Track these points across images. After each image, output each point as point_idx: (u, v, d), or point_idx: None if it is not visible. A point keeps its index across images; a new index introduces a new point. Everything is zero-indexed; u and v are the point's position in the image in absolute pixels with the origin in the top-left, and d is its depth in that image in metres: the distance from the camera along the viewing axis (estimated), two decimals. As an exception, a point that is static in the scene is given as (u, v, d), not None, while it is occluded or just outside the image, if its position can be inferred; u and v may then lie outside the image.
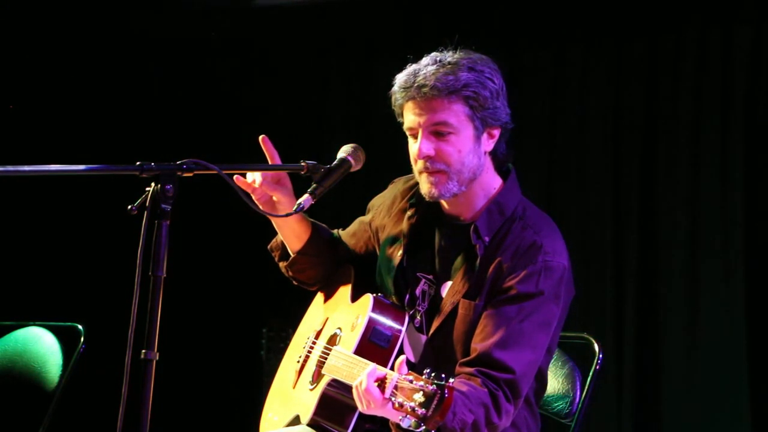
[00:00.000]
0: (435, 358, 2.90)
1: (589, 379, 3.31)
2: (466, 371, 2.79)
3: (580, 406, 3.29)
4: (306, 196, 2.79)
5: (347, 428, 2.87)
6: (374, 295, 2.98)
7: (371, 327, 2.89)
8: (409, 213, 3.03)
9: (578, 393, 3.32)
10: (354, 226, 3.25)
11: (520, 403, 2.81)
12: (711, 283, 4.96)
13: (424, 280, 2.98)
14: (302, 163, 2.83)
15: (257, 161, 2.96)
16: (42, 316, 4.24)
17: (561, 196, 5.26)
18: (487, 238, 2.88)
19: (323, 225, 3.22)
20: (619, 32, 5.22)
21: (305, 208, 2.79)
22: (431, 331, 2.91)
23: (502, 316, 2.79)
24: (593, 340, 3.38)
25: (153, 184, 2.45)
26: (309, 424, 2.96)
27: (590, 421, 3.45)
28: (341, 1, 5.63)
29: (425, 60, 2.87)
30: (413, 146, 2.88)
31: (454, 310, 2.88)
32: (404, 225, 3.03)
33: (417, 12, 5.56)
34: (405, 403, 2.46)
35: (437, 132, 2.83)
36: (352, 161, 2.92)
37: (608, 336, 5.03)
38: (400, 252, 3.02)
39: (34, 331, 4.08)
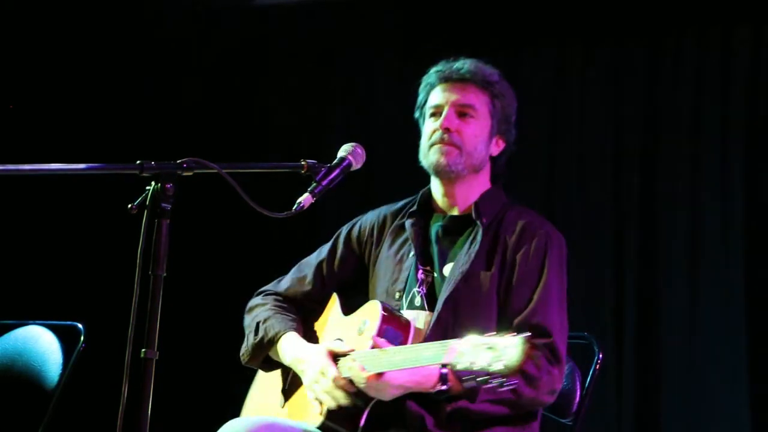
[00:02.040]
0: (444, 330, 2.96)
1: (589, 378, 3.32)
2: None
3: (580, 405, 3.30)
4: (306, 195, 2.79)
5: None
6: (379, 300, 3.05)
7: (385, 326, 2.94)
8: (411, 221, 3.15)
9: (578, 392, 3.33)
10: (326, 260, 3.28)
11: (564, 366, 2.95)
12: (712, 284, 4.96)
13: (421, 270, 3.08)
14: (302, 163, 2.83)
15: (258, 160, 2.98)
16: (42, 315, 4.23)
17: (561, 196, 5.26)
18: (485, 219, 3.05)
19: (296, 322, 3.22)
20: (619, 32, 5.22)
21: (305, 207, 2.79)
22: (440, 304, 2.98)
23: (524, 287, 2.97)
24: (593, 340, 3.39)
25: (153, 183, 2.45)
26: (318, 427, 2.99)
27: (591, 421, 3.45)
28: (344, 0, 5.63)
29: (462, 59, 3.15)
30: (433, 123, 3.08)
31: (462, 281, 2.98)
32: (409, 233, 3.14)
33: (419, 11, 5.55)
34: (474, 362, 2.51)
35: (462, 113, 3.08)
36: (352, 160, 2.93)
37: (608, 336, 5.03)
38: (412, 253, 3.11)
39: (34, 330, 4.07)
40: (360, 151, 2.97)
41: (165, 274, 2.42)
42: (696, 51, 5.06)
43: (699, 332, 4.95)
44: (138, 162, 2.46)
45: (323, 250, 3.31)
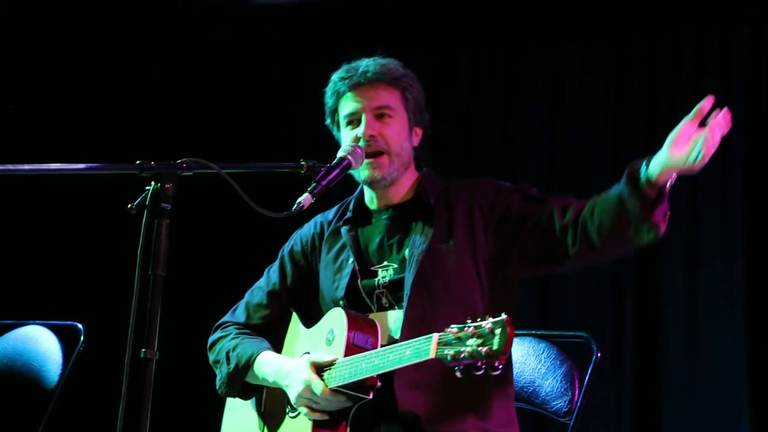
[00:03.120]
0: (422, 315, 2.97)
1: (587, 377, 3.32)
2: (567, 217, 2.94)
3: (578, 404, 3.30)
4: (306, 195, 2.80)
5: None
6: (342, 306, 3.04)
7: (353, 332, 2.95)
8: (346, 227, 3.16)
9: (577, 392, 3.33)
10: (278, 281, 3.27)
11: None
12: (710, 282, 4.96)
13: (379, 269, 3.07)
14: (302, 163, 2.84)
15: (257, 160, 2.98)
16: (42, 315, 4.24)
17: (560, 194, 5.26)
18: (432, 200, 3.07)
19: (265, 342, 3.21)
20: (619, 32, 5.23)
21: (305, 207, 2.80)
22: (408, 289, 2.98)
23: (527, 202, 3.02)
24: (591, 339, 3.40)
25: (153, 183, 2.46)
26: None
27: (590, 421, 3.45)
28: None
29: (362, 60, 3.12)
30: (352, 131, 3.07)
31: (425, 259, 2.98)
32: (346, 239, 3.14)
33: (414, 10, 5.54)
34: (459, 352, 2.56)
35: (379, 114, 3.06)
36: (351, 160, 2.95)
37: (607, 335, 5.03)
38: (351, 260, 3.10)
39: (34, 330, 4.08)
40: (359, 150, 2.99)
41: (165, 275, 2.42)
42: (696, 51, 5.06)
43: (698, 331, 4.95)
44: (138, 162, 2.47)
45: (272, 273, 3.28)
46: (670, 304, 5.02)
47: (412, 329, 2.91)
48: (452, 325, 2.63)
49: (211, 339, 3.28)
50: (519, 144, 5.38)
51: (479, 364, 2.55)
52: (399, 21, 5.56)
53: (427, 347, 2.67)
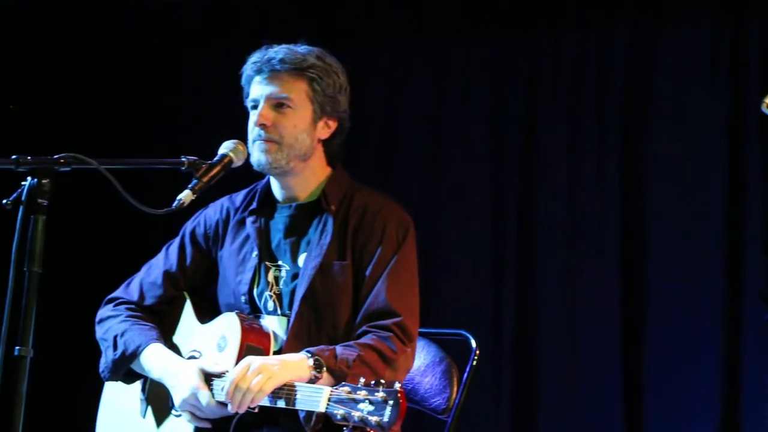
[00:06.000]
0: (307, 329, 2.99)
1: (465, 374, 3.36)
2: (356, 334, 2.95)
3: (456, 401, 3.34)
4: (186, 192, 2.78)
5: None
6: (236, 312, 3.03)
7: (245, 344, 2.94)
8: (251, 219, 3.13)
9: (455, 389, 3.36)
10: (176, 261, 3.23)
11: (415, 345, 3.01)
12: (588, 282, 5.05)
13: (273, 267, 3.07)
14: (183, 159, 2.82)
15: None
16: None
17: (441, 194, 5.31)
18: (333, 206, 3.05)
19: (155, 331, 3.16)
20: (501, 32, 5.28)
21: (185, 204, 2.78)
22: (297, 303, 2.99)
23: (374, 272, 2.98)
24: (469, 336, 3.44)
25: (29, 179, 2.42)
26: None
27: (468, 418, 3.49)
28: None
29: (276, 46, 3.08)
30: (253, 116, 3.04)
31: (317, 275, 2.99)
32: (250, 230, 3.11)
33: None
34: (350, 413, 2.57)
35: (278, 104, 3.02)
36: (233, 157, 2.94)
37: (486, 333, 5.09)
38: (255, 253, 3.09)
39: None
40: (241, 148, 2.98)
41: (41, 271, 2.39)
42: (574, 52, 5.14)
43: (576, 329, 5.04)
44: (13, 156, 2.43)
45: (171, 251, 3.24)
46: (550, 303, 5.10)
47: (295, 343, 2.94)
48: (344, 384, 2.63)
49: (100, 314, 3.23)
50: (403, 150, 5.41)
51: (368, 430, 2.56)
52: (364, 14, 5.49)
53: (317, 400, 2.68)
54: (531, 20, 5.23)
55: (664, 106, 4.99)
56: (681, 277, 4.93)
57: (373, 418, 2.54)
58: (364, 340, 2.92)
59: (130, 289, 3.24)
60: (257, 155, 3.03)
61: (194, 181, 2.80)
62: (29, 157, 2.43)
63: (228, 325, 3.00)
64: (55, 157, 2.48)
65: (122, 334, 3.11)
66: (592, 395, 4.98)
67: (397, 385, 2.57)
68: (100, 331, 3.19)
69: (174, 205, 2.76)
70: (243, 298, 3.07)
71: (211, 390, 2.92)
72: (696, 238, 4.92)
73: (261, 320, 3.06)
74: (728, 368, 4.79)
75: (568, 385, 5.03)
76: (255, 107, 3.06)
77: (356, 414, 2.57)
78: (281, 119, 3.02)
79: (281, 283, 3.06)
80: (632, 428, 4.91)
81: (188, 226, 3.26)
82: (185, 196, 2.77)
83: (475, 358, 3.38)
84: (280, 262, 3.08)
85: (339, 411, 2.60)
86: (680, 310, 4.91)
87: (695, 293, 4.90)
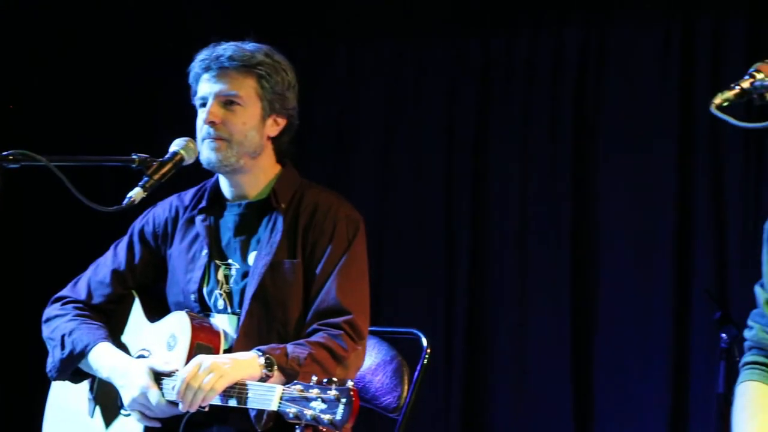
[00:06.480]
0: (257, 328, 2.98)
1: (416, 373, 3.37)
2: (306, 332, 2.94)
3: (407, 400, 3.34)
4: (137, 189, 2.77)
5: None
6: (186, 311, 3.02)
7: (195, 342, 2.93)
8: (200, 218, 3.11)
9: (406, 387, 3.37)
10: (125, 260, 3.19)
11: (366, 343, 3.01)
12: (539, 281, 5.10)
13: (223, 266, 3.06)
14: (133, 157, 2.81)
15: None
16: None
17: (394, 194, 5.33)
18: (283, 205, 3.04)
19: (103, 330, 3.13)
20: (454, 32, 5.30)
21: (136, 202, 2.76)
22: (248, 301, 2.98)
23: (324, 270, 2.98)
24: (421, 335, 3.45)
25: (-22, 176, 2.40)
26: None
27: (418, 416, 3.50)
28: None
29: (224, 44, 3.05)
30: (202, 114, 3.02)
31: (268, 273, 2.98)
32: (200, 229, 3.10)
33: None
34: (302, 412, 2.56)
35: (226, 102, 3.00)
36: (184, 155, 2.92)
37: (437, 332, 5.11)
38: (205, 251, 3.07)
39: None
40: (192, 145, 2.96)
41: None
42: (527, 52, 5.18)
43: (527, 328, 5.08)
44: (-37, 155, 2.41)
45: (119, 250, 3.20)
46: (501, 303, 5.14)
47: (245, 341, 2.93)
48: (297, 382, 2.63)
49: (47, 313, 3.18)
50: (355, 144, 5.42)
51: (321, 429, 2.56)
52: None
53: (269, 398, 2.68)
54: (483, 20, 5.26)
55: (615, 107, 5.05)
56: (631, 276, 4.99)
57: (326, 417, 2.54)
58: (315, 338, 2.92)
59: (78, 288, 3.20)
60: (207, 153, 3.00)
61: (145, 179, 2.79)
62: (-23, 155, 2.41)
63: (178, 323, 2.99)
64: (4, 153, 2.46)
65: (70, 333, 3.08)
66: (542, 393, 5.03)
67: (350, 384, 2.57)
68: (47, 331, 3.16)
69: (124, 202, 2.74)
70: (192, 297, 3.05)
71: (161, 389, 2.90)
72: (646, 238, 4.98)
73: (211, 319, 3.04)
74: (677, 364, 4.86)
75: (519, 383, 5.07)
76: (203, 105, 3.03)
77: (308, 412, 2.57)
78: (230, 117, 3.00)
79: (231, 281, 3.05)
80: (583, 425, 4.96)
81: (137, 225, 3.23)
82: (136, 194, 2.75)
83: (426, 356, 3.38)
84: (230, 261, 3.06)
85: (291, 409, 2.60)
86: (631, 308, 4.97)
87: (645, 292, 4.96)
